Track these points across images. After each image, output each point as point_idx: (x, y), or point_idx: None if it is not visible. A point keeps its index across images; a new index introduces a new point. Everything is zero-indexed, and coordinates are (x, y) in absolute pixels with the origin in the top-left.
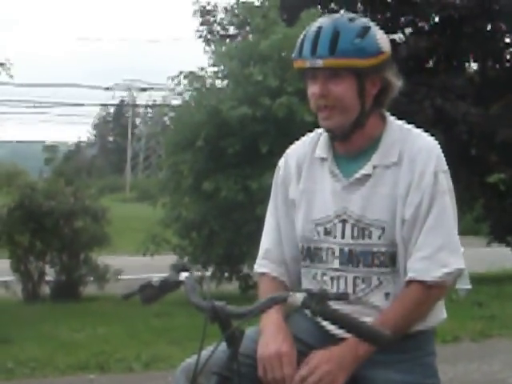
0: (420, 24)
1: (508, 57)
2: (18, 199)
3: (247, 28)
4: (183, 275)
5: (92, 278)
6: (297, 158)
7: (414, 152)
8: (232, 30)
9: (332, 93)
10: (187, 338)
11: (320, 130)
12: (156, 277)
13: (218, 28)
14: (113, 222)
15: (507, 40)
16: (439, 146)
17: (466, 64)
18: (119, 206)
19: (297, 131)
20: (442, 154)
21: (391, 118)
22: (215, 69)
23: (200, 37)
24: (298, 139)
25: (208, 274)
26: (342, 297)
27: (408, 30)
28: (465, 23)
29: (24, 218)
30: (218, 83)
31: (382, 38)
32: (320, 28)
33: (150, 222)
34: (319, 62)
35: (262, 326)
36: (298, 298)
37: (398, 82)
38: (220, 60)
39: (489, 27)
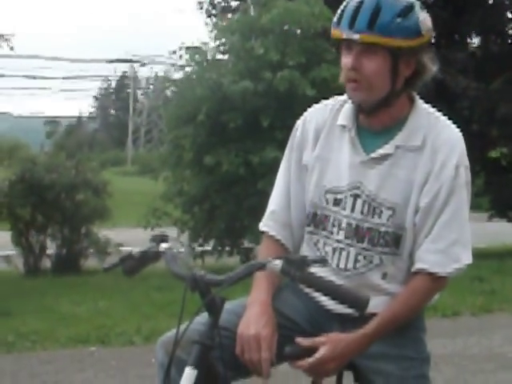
0: None
1: (510, 32)
2: (19, 173)
3: (248, 1)
4: (163, 246)
5: (93, 251)
6: (316, 122)
7: (438, 141)
8: (233, 3)
9: (364, 67)
10: (188, 312)
11: (344, 97)
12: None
13: (219, 0)
14: (114, 195)
15: (510, 15)
16: (463, 140)
17: (468, 39)
18: (120, 180)
19: (298, 105)
20: (465, 149)
21: (420, 102)
22: (217, 43)
23: (201, 9)
24: (299, 113)
25: (203, 247)
26: (321, 262)
27: None
28: None
29: (25, 191)
30: (220, 57)
31: (424, 20)
32: (362, 1)
33: (151, 195)
34: (356, 36)
35: (249, 303)
36: (278, 264)
37: (433, 67)
38: (221, 34)
39: (491, 1)
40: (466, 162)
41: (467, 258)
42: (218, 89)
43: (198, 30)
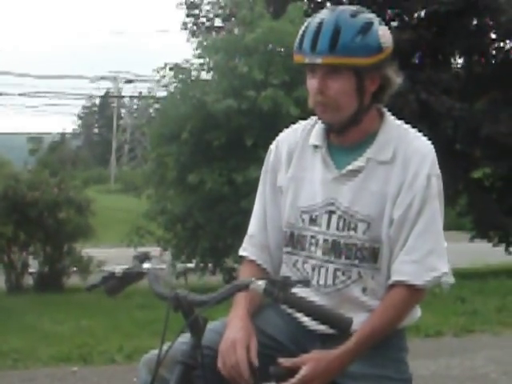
0: (406, 18)
1: (494, 52)
2: (1, 190)
3: (233, 20)
4: (146, 265)
5: (75, 270)
6: (288, 145)
7: (409, 152)
8: (218, 23)
9: (330, 89)
10: (170, 331)
11: (315, 118)
12: (120, 268)
13: (204, 20)
14: (97, 213)
15: (493, 35)
16: (434, 150)
17: (452, 59)
18: (104, 198)
19: (282, 124)
20: (436, 159)
21: (389, 115)
22: (201, 61)
23: (185, 29)
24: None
25: (188, 265)
26: (303, 283)
27: (394, 24)
28: (451, 18)
29: (8, 208)
30: (204, 75)
31: (384, 34)
32: (321, 23)
33: (134, 213)
34: (318, 60)
35: (228, 322)
36: (260, 284)
37: (397, 79)
38: (205, 52)
39: (475, 22)
40: (438, 171)
41: (444, 267)
42: (202, 107)
43: (182, 50)
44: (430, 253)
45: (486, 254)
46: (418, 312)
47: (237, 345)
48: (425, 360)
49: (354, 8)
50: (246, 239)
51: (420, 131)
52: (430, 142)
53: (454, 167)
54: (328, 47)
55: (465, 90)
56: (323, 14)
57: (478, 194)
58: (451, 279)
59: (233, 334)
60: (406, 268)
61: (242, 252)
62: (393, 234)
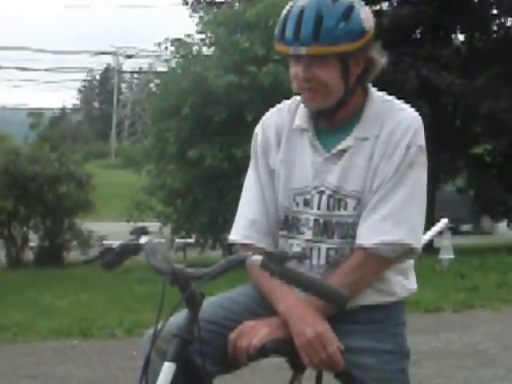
0: None
1: (495, 28)
2: (2, 164)
3: None
4: (143, 239)
5: (76, 244)
6: (275, 126)
7: (393, 125)
8: None
9: (316, 76)
10: (170, 305)
11: (299, 98)
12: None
13: None
14: (97, 188)
15: (494, 11)
16: (420, 120)
17: (453, 35)
18: (104, 173)
19: (282, 100)
20: (422, 129)
21: (373, 90)
22: (202, 36)
23: (186, 3)
24: None
25: (187, 240)
26: (300, 256)
27: (395, 0)
28: None
29: (8, 183)
30: (205, 50)
31: (366, 16)
32: (302, 10)
33: (134, 188)
34: (303, 50)
35: (266, 291)
36: (258, 259)
37: (382, 59)
38: (207, 27)
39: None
40: (420, 141)
41: (399, 235)
42: (203, 82)
43: (184, 25)
44: (386, 218)
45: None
46: (412, 284)
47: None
48: (424, 335)
49: None
50: (246, 225)
51: (418, 108)
52: (415, 113)
53: (453, 143)
54: (312, 36)
55: (465, 66)
56: (303, 1)
57: (478, 171)
58: (451, 255)
59: (319, 325)
60: (362, 231)
61: (244, 240)
62: (368, 204)
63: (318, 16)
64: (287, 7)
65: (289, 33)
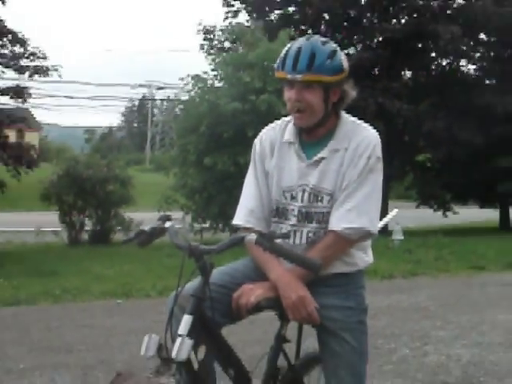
0: (368, 42)
1: (433, 67)
2: (64, 169)
3: (238, 43)
4: (167, 224)
5: (119, 228)
6: (270, 139)
7: (358, 140)
8: (227, 45)
9: (305, 98)
10: (188, 273)
11: (287, 119)
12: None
13: (216, 42)
14: (136, 186)
15: (433, 55)
16: (378, 137)
17: (402, 72)
18: (140, 175)
19: (274, 120)
20: (380, 144)
21: (343, 114)
22: (215, 73)
23: (203, 49)
24: None
25: (203, 225)
26: (284, 236)
27: (359, 46)
28: (401, 42)
29: (69, 183)
30: (217, 83)
31: (344, 59)
32: (300, 48)
33: (163, 187)
34: (298, 77)
35: (261, 263)
36: (253, 237)
37: (353, 93)
38: (218, 66)
39: (420, 45)
40: (378, 153)
41: (361, 223)
42: (215, 108)
43: (201, 65)
44: (350, 210)
45: (428, 217)
46: (370, 258)
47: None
48: (381, 296)
49: (323, 38)
50: (246, 213)
51: (376, 127)
52: (374, 131)
53: (403, 154)
54: (306, 67)
55: (411, 96)
56: (301, 42)
57: (421, 173)
58: (401, 236)
59: (301, 290)
60: (333, 219)
61: (246, 224)
62: (338, 199)
63: (311, 53)
64: (287, 46)
65: (289, 64)
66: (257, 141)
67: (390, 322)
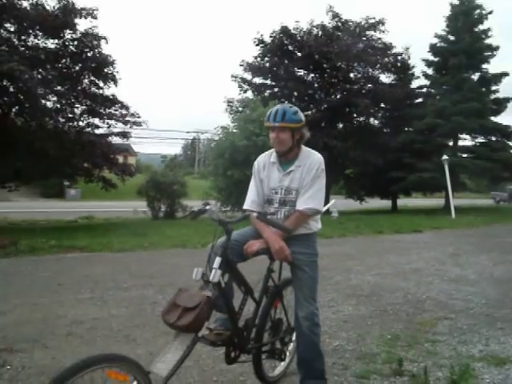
0: (317, 107)
1: (355, 122)
2: (150, 177)
3: (245, 109)
4: (208, 206)
5: (180, 210)
6: (263, 161)
7: (310, 160)
8: (240, 108)
9: (280, 137)
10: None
11: (272, 150)
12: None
13: (234, 107)
14: (189, 187)
15: (355, 115)
16: (322, 158)
17: (337, 124)
18: (192, 181)
19: (266, 151)
20: (323, 162)
21: (303, 146)
22: (233, 124)
23: (227, 111)
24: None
25: (226, 209)
26: (271, 214)
27: (314, 110)
28: (337, 108)
29: (152, 185)
30: (234, 130)
31: (302, 116)
32: (278, 109)
33: (204, 187)
34: (276, 124)
35: (259, 228)
36: (254, 214)
37: (307, 134)
38: (235, 121)
39: (347, 109)
40: (322, 167)
41: (314, 205)
42: (233, 144)
43: (225, 120)
44: (309, 198)
45: (349, 204)
46: (319, 225)
47: (257, 242)
48: (325, 247)
49: (290, 105)
50: (251, 202)
51: (322, 154)
52: (320, 156)
53: (337, 169)
54: (281, 119)
55: (342, 137)
56: (278, 106)
57: (347, 180)
58: (337, 214)
59: (281, 243)
60: (299, 204)
61: (250, 207)
62: (300, 192)
63: (283, 111)
64: (271, 109)
65: (271, 117)
66: (255, 162)
67: (329, 261)
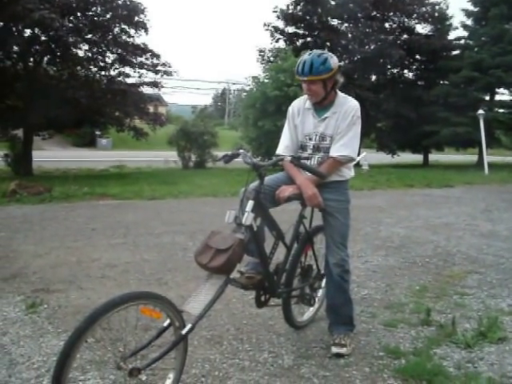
0: (352, 58)
1: (388, 73)
2: (180, 127)
3: (277, 58)
4: (240, 151)
5: (210, 159)
6: (297, 106)
7: (346, 107)
8: (272, 58)
9: (312, 89)
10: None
11: (306, 96)
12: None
13: (266, 57)
14: (219, 137)
15: (388, 66)
16: (359, 105)
17: (370, 76)
18: (222, 131)
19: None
20: (359, 109)
21: (338, 92)
22: (264, 74)
23: (258, 61)
24: None
25: (258, 158)
26: (305, 158)
27: (347, 61)
28: (370, 59)
29: (183, 134)
30: (266, 80)
31: (333, 62)
32: (305, 61)
33: (235, 138)
34: (305, 78)
35: (292, 174)
36: (288, 158)
37: (341, 79)
38: (267, 71)
39: (381, 61)
40: (358, 114)
41: (348, 153)
42: (264, 94)
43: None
44: (343, 145)
45: (381, 158)
46: (352, 173)
47: (289, 187)
48: (355, 199)
49: (319, 51)
50: (284, 147)
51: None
52: (356, 102)
53: (369, 122)
54: (308, 72)
55: (374, 89)
56: (305, 57)
57: (379, 133)
58: (368, 167)
59: (314, 189)
60: (332, 150)
61: (284, 152)
62: (335, 139)
63: (311, 63)
64: (299, 60)
65: (299, 70)
66: (290, 108)
67: (359, 213)
